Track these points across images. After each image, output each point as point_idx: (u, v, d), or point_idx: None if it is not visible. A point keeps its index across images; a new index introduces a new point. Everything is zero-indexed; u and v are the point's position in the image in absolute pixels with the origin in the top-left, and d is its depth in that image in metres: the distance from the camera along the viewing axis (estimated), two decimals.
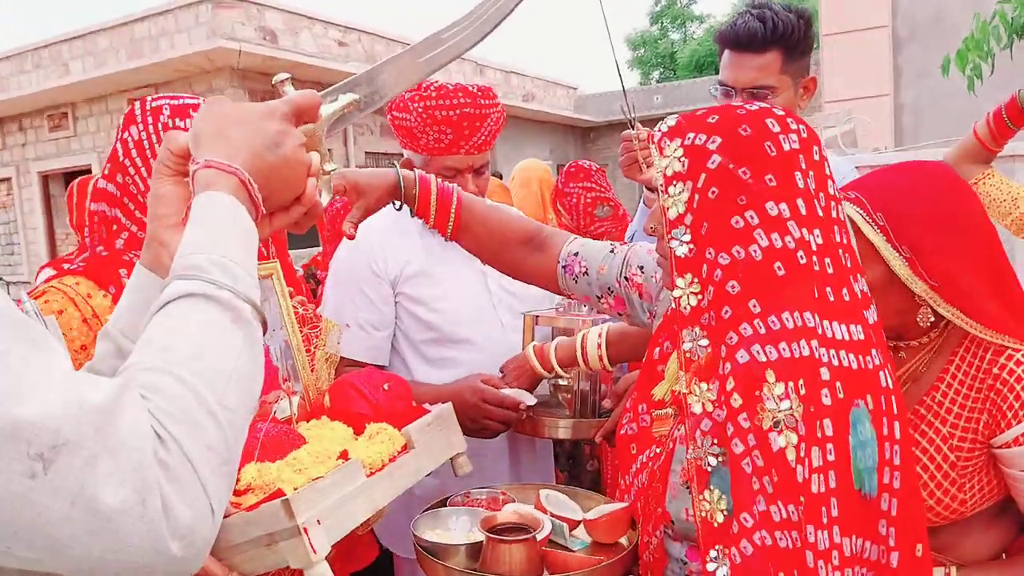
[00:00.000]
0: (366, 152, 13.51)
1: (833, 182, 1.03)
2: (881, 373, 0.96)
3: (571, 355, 1.61)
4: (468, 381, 1.70)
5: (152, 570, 0.59)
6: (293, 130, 0.86)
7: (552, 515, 1.23)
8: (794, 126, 1.00)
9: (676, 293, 0.98)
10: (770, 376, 0.91)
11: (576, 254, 1.26)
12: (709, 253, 0.96)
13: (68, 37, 12.88)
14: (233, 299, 0.69)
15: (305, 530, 0.98)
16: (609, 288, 1.19)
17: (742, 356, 0.93)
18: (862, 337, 0.96)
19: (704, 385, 0.96)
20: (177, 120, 1.34)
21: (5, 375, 0.54)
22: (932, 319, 1.21)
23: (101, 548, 0.56)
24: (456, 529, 1.25)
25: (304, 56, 11.53)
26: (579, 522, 1.23)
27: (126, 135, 1.34)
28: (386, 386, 1.33)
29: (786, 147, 0.98)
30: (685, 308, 0.97)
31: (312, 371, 1.51)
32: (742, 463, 0.90)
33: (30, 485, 0.53)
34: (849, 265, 1.00)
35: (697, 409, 0.96)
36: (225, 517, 1.03)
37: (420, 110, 1.76)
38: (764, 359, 0.92)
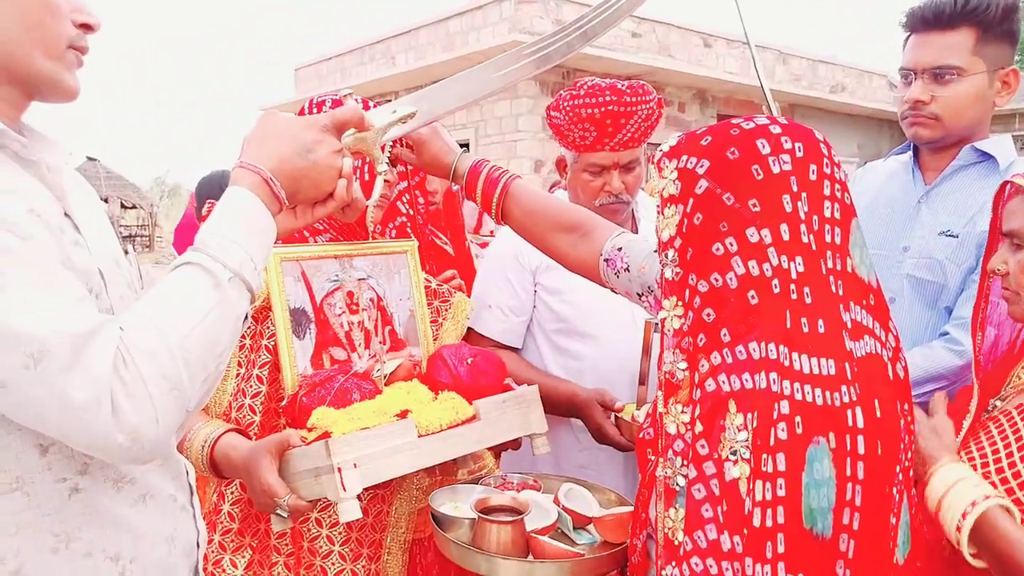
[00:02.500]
0: (649, 143, 13.55)
1: (838, 200, 0.96)
2: (850, 411, 0.89)
3: None
4: (590, 392, 1.74)
5: (107, 451, 0.81)
6: (329, 139, 1.03)
7: (564, 508, 1.27)
8: (788, 145, 0.95)
9: (662, 314, 0.99)
10: (732, 406, 0.90)
11: (620, 249, 1.26)
12: (691, 279, 0.96)
13: (396, 33, 14.60)
14: (220, 269, 0.89)
15: (339, 469, 1.15)
16: (649, 287, 1.18)
17: (710, 384, 0.93)
18: (833, 372, 0.90)
19: (679, 407, 0.96)
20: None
21: (21, 298, 0.77)
22: None
23: (71, 429, 0.79)
24: (470, 504, 1.34)
25: (594, 48, 11.89)
26: (589, 519, 1.26)
27: None
28: (469, 360, 1.45)
29: (775, 169, 0.94)
30: (669, 330, 0.98)
31: (435, 340, 1.68)
32: (692, 488, 0.91)
33: (24, 375, 0.76)
34: (841, 292, 0.94)
35: (672, 430, 0.96)
36: (292, 448, 1.24)
37: (568, 108, 1.82)
38: (728, 389, 0.91)
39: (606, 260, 1.27)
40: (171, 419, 0.82)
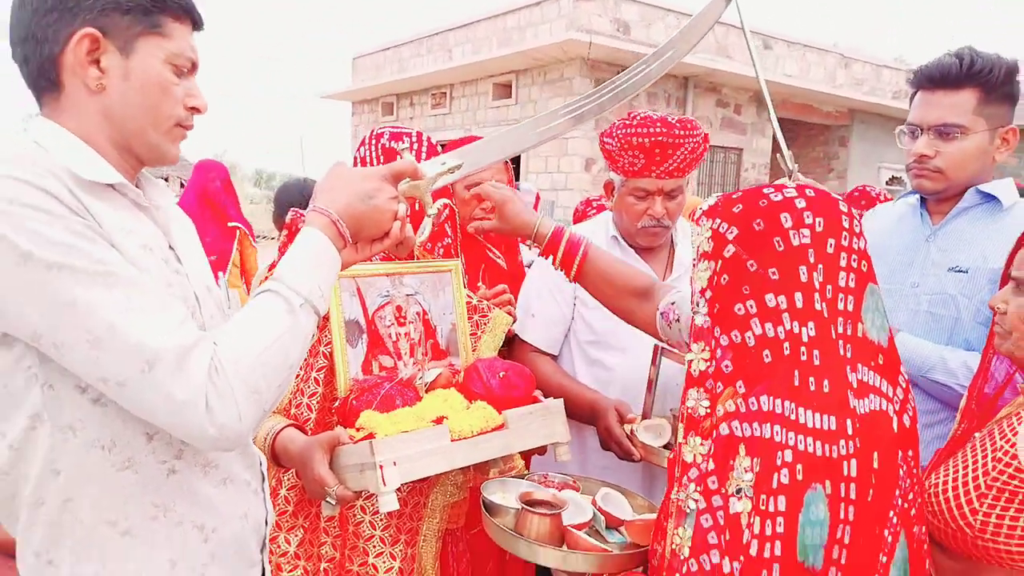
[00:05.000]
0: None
1: (854, 270, 1.09)
2: (846, 463, 1.02)
3: None
4: (610, 402, 1.90)
5: (201, 441, 0.99)
6: (387, 187, 1.21)
7: (599, 509, 1.43)
8: (809, 220, 1.07)
9: (689, 356, 1.12)
10: (742, 450, 1.04)
11: (673, 303, 1.41)
12: (716, 331, 1.10)
13: (454, 26, 14.78)
14: (293, 296, 1.07)
15: (380, 467, 1.33)
16: None
17: (724, 428, 1.06)
18: (834, 427, 1.02)
19: (698, 439, 1.09)
20: (393, 143, 1.76)
21: (144, 318, 0.96)
22: None
23: (174, 422, 0.98)
24: (515, 496, 1.50)
25: (651, 48, 11.90)
26: (621, 521, 1.42)
27: (356, 154, 1.79)
28: (501, 374, 1.62)
29: (795, 242, 1.07)
30: (695, 371, 1.11)
31: (473, 351, 1.85)
32: (701, 517, 1.05)
33: (140, 377, 0.95)
34: (849, 355, 1.06)
35: (688, 458, 1.10)
36: (342, 445, 1.43)
37: (620, 136, 1.97)
38: (740, 434, 1.04)
39: (662, 314, 1.44)
40: (252, 418, 1.01)
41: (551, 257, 1.62)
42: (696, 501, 1.07)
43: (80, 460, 1.02)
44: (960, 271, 1.75)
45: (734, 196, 1.15)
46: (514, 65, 13.08)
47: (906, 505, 1.11)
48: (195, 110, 1.12)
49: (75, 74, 1.04)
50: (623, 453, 1.79)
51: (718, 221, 1.12)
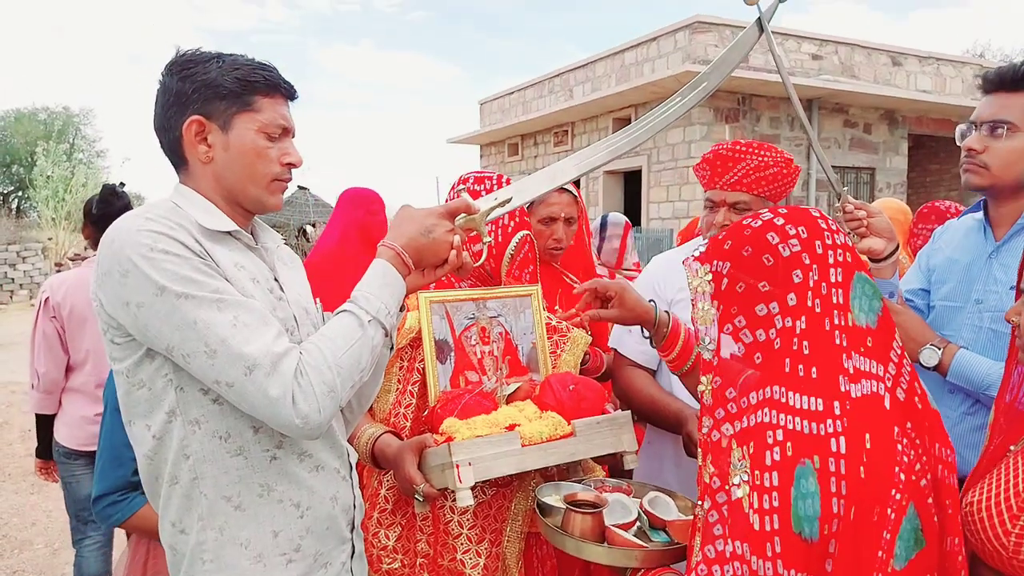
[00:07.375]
0: (833, 166, 13.12)
1: (840, 264, 1.19)
2: (834, 439, 1.11)
3: None
4: (691, 415, 1.98)
5: (288, 429, 1.21)
6: (444, 222, 1.42)
7: (644, 510, 1.55)
8: (792, 231, 1.20)
9: (700, 388, 1.25)
10: (733, 445, 1.16)
11: None
12: (714, 360, 1.23)
13: (573, 67, 15.16)
14: (363, 314, 1.30)
15: (457, 466, 1.52)
16: None
17: (715, 436, 1.19)
18: (821, 408, 1.13)
19: (710, 459, 1.22)
20: (475, 185, 1.98)
21: (243, 333, 1.19)
22: None
23: (268, 413, 1.20)
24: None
25: (769, 74, 11.74)
26: (664, 521, 1.53)
27: (448, 196, 2.03)
28: (571, 387, 1.78)
29: (785, 253, 1.19)
30: (707, 400, 1.24)
31: (554, 368, 2.02)
32: (708, 515, 1.17)
33: (243, 379, 1.18)
34: (845, 344, 1.16)
35: (706, 480, 1.22)
36: (427, 448, 1.63)
37: (703, 156, 2.18)
38: (730, 433, 1.17)
39: None
40: (329, 411, 1.23)
41: (671, 353, 1.79)
42: (708, 511, 1.19)
43: (204, 447, 1.27)
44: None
45: (720, 237, 1.28)
46: (633, 99, 13.25)
47: (914, 477, 1.15)
48: (291, 165, 1.38)
49: (191, 151, 1.33)
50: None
51: (715, 262, 1.25)
